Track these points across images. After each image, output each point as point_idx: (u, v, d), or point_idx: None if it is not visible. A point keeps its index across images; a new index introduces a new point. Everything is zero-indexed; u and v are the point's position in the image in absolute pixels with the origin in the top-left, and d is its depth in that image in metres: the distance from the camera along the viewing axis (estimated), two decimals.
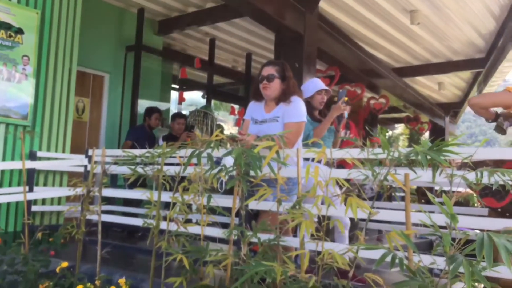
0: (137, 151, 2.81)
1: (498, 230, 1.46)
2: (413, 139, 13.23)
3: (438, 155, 1.67)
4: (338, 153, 2.13)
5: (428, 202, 6.33)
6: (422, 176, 1.90)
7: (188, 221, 2.80)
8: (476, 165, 2.53)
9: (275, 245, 2.10)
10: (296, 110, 3.04)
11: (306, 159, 3.27)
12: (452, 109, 13.01)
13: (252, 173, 2.09)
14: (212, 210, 2.48)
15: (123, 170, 3.23)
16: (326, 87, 3.78)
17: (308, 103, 3.67)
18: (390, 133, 18.93)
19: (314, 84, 3.82)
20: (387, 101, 9.77)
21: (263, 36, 7.85)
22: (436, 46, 8.30)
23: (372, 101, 10.16)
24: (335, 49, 7.23)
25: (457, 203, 4.47)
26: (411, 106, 11.03)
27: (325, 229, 1.83)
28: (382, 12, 6.79)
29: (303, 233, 1.71)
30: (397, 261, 1.44)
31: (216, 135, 2.32)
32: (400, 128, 19.19)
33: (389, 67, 9.45)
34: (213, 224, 2.69)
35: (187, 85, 9.96)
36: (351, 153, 2.00)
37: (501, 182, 1.69)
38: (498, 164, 2.51)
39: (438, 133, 12.60)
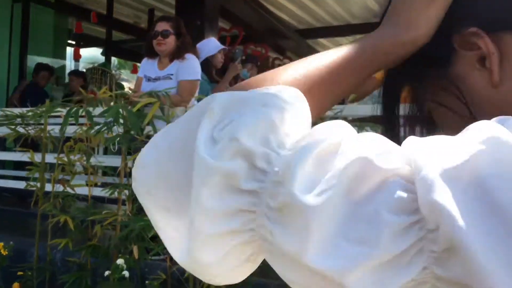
0: (18, 110, 2.63)
1: None
2: None
3: None
4: None
5: None
6: None
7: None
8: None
9: None
10: (191, 68, 3.02)
11: None
12: None
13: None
14: (104, 171, 2.42)
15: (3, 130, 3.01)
16: (225, 47, 3.79)
17: (209, 62, 3.66)
18: None
19: (214, 43, 3.80)
20: (291, 62, 10.00)
21: None
22: (336, 8, 8.58)
23: (276, 62, 10.34)
24: (238, 7, 7.18)
25: None
26: None
27: None
28: None
29: None
30: None
31: (103, 92, 2.24)
32: None
33: (292, 28, 9.62)
34: (104, 185, 2.63)
35: (84, 40, 9.35)
36: None
37: None
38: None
39: None
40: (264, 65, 9.98)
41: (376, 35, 0.53)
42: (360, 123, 1.88)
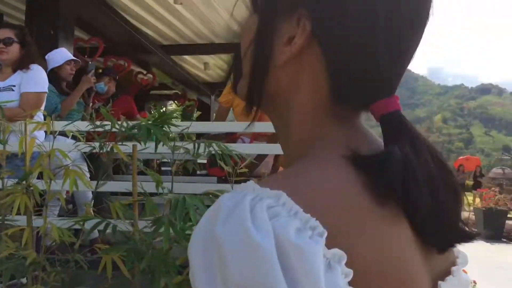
0: None
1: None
2: (186, 116, 13.81)
3: (159, 128, 1.79)
4: (60, 125, 2.08)
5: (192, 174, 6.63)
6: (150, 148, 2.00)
7: None
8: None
9: None
10: (36, 79, 2.84)
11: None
12: (217, 88, 13.99)
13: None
14: None
15: None
16: (75, 58, 3.63)
17: (56, 73, 3.47)
18: (164, 109, 19.31)
19: (62, 54, 3.61)
20: (154, 77, 9.90)
21: None
22: (200, 28, 8.76)
23: (139, 76, 10.15)
24: (98, 19, 6.92)
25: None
26: (180, 84, 11.44)
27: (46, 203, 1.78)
28: None
29: (16, 210, 1.62)
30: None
31: None
32: (173, 105, 19.75)
33: (157, 44, 9.55)
34: None
35: None
36: (77, 126, 1.97)
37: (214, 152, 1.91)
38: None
39: (204, 110, 13.43)
40: (127, 79, 9.73)
41: None
42: (207, 140, 1.95)
